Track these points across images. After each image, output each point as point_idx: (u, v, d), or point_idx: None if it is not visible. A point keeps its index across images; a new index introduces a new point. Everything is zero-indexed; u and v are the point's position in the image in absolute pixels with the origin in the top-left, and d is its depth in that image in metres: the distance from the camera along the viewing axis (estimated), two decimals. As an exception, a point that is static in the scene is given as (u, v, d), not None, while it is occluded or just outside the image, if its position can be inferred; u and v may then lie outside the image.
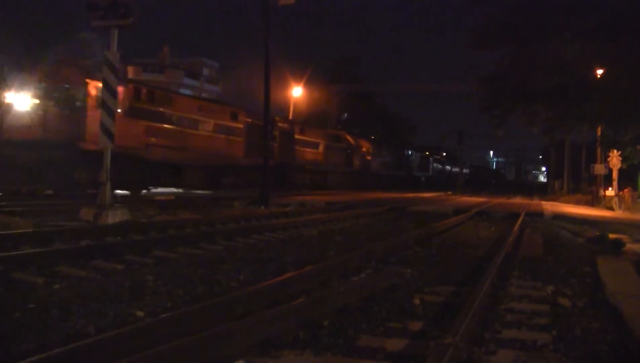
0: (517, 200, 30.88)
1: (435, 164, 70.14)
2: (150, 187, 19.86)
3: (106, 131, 10.58)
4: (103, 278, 5.71)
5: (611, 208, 26.31)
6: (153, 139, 20.13)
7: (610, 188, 30.20)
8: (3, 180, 16.54)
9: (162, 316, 4.24)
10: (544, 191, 51.73)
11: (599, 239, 10.85)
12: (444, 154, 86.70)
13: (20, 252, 6.63)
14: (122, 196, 15.30)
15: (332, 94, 52.97)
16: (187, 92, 55.34)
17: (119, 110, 14.97)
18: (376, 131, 65.94)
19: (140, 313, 4.43)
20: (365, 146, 43.09)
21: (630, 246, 9.97)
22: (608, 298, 5.42)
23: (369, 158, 43.21)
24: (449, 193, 38.70)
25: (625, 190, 27.50)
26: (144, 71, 65.30)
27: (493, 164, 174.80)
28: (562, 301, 5.35)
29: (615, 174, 28.85)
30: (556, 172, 55.13)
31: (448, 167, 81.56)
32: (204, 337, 3.37)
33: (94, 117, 15.48)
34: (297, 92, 41.51)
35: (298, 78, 41.73)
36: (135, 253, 7.06)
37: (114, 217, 10.04)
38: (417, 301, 5.14)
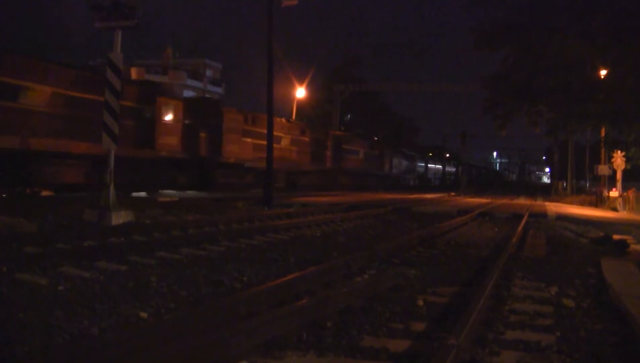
0: (521, 201, 30.82)
1: (397, 160, 54.09)
2: None
3: (109, 133, 10.59)
4: (106, 279, 5.71)
5: (615, 209, 26.27)
6: None
7: (614, 189, 30.13)
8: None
9: (166, 318, 4.25)
10: (547, 192, 51.63)
11: (603, 240, 10.82)
12: (447, 154, 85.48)
13: (24, 253, 6.64)
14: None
15: (335, 94, 53.00)
16: (190, 93, 55.35)
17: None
18: (379, 131, 65.99)
19: (143, 314, 4.43)
20: (227, 120, 24.03)
21: (634, 247, 9.94)
22: (612, 299, 5.40)
23: (232, 139, 24.36)
24: (452, 194, 38.78)
25: (630, 191, 27.43)
26: (147, 73, 65.29)
27: (496, 165, 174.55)
28: (566, 302, 5.34)
29: (619, 175, 28.78)
30: (560, 173, 55.01)
31: (421, 164, 66.29)
32: (208, 338, 3.37)
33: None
34: (300, 93, 41.54)
35: (301, 79, 41.80)
36: (139, 254, 7.05)
37: (117, 218, 10.04)
38: (420, 302, 5.13)
